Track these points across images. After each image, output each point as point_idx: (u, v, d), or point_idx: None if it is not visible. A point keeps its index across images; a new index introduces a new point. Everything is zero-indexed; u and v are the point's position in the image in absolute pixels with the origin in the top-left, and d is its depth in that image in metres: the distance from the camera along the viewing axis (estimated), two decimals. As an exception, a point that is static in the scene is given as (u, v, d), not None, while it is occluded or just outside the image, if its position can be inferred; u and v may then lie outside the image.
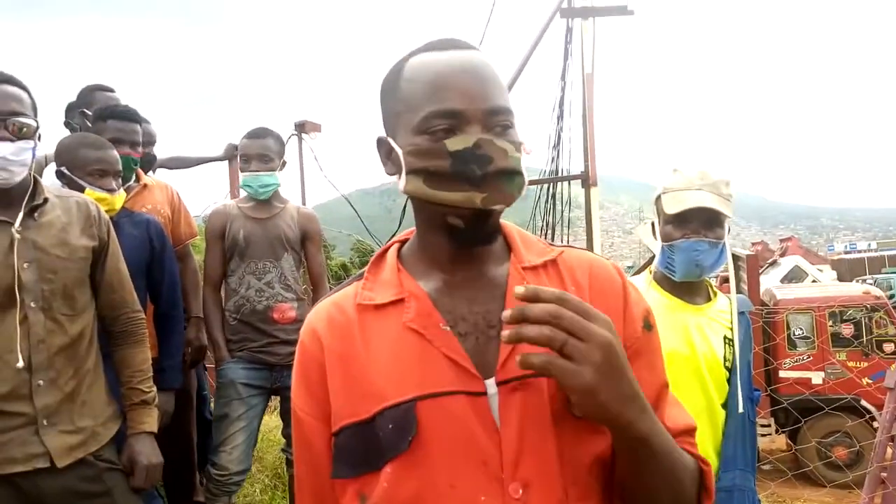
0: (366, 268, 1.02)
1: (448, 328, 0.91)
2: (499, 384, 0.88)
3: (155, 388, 2.06)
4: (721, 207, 1.74)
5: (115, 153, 2.41)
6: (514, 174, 0.90)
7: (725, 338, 1.80)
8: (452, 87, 0.90)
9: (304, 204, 7.53)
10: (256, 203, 2.97)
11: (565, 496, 0.86)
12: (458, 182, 0.88)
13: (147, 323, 2.18)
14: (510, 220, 1.05)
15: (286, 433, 3.10)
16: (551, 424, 0.87)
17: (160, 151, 4.15)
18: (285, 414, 3.00)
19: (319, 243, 3.23)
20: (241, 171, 2.94)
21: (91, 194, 2.20)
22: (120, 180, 2.42)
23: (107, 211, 2.10)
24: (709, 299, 1.86)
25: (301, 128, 6.59)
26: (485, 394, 0.87)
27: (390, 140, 0.96)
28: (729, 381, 1.77)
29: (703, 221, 1.75)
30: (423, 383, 0.87)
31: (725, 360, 1.78)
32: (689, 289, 1.84)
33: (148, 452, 1.94)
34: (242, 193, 3.11)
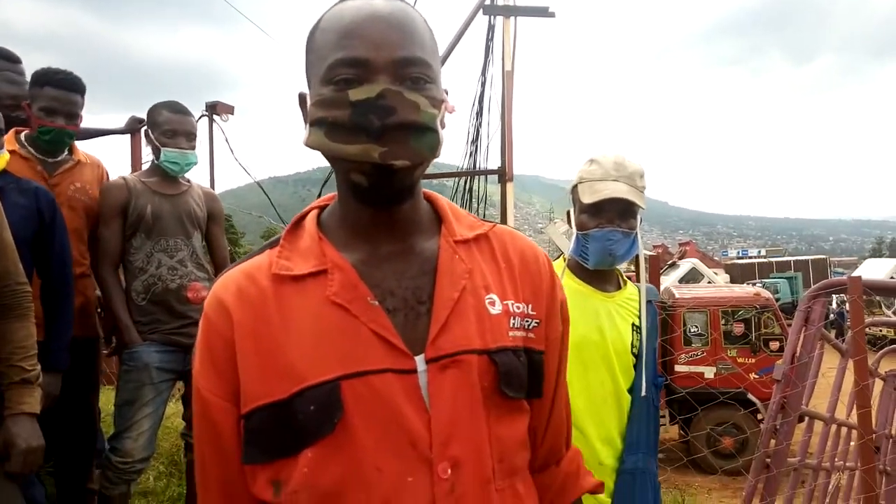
0: (280, 234, 0.94)
1: (376, 303, 0.85)
2: (428, 361, 0.83)
3: (39, 367, 1.90)
4: (635, 198, 1.78)
5: None
6: (424, 130, 0.83)
7: (633, 325, 1.84)
8: (360, 34, 0.83)
9: (212, 188, 7.26)
10: (162, 179, 2.80)
11: (492, 474, 0.85)
12: (357, 134, 0.81)
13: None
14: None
15: (188, 416, 2.95)
16: (481, 403, 0.85)
17: None
18: (190, 397, 2.86)
19: (223, 225, 3.10)
20: (165, 147, 2.74)
21: (-33, 154, 2.01)
22: (3, 139, 2.22)
23: (-11, 172, 1.91)
24: (619, 288, 1.91)
25: (213, 109, 6.33)
26: (414, 371, 0.83)
27: (307, 95, 0.90)
28: (635, 366, 1.82)
29: (618, 212, 1.79)
30: (348, 361, 0.81)
31: (633, 346, 1.82)
32: (600, 277, 1.87)
33: (27, 435, 1.78)
34: (145, 167, 2.94)
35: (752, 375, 9.02)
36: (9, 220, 1.91)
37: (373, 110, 0.80)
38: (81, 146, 2.93)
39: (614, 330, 1.80)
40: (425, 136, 0.83)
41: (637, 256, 1.86)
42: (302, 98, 0.91)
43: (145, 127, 2.82)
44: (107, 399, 3.34)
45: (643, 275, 1.94)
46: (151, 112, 2.82)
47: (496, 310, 0.89)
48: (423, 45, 0.86)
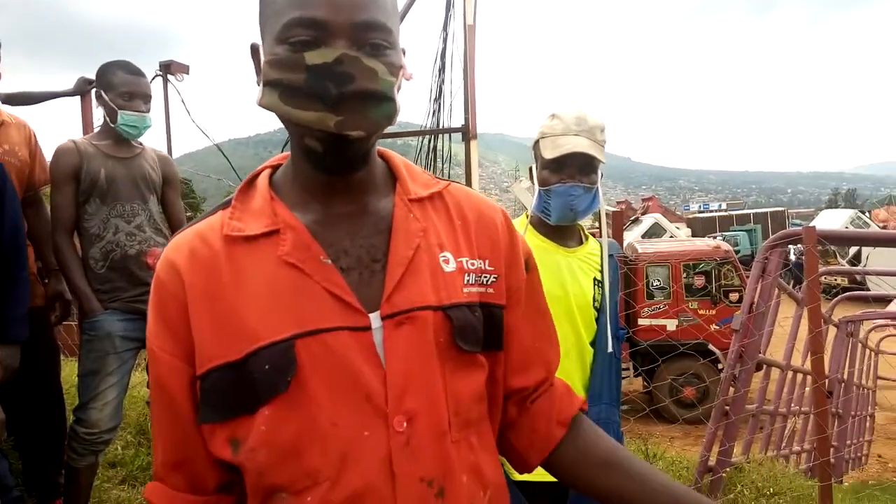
0: (232, 195, 0.92)
1: (329, 262, 0.85)
2: (384, 318, 0.84)
3: (-4, 340, 1.85)
4: (595, 153, 1.78)
5: None
6: (381, 99, 0.81)
7: (595, 279, 1.87)
8: None
9: (169, 152, 7.04)
10: (115, 142, 2.71)
11: (448, 427, 0.86)
12: (313, 100, 0.79)
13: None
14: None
15: None
16: (436, 356, 0.86)
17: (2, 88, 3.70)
18: None
19: (179, 189, 3.02)
20: (122, 109, 2.63)
21: None
22: None
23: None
24: (581, 243, 1.93)
25: (167, 68, 6.11)
26: (369, 328, 0.83)
27: (260, 47, 0.87)
28: (598, 320, 1.85)
29: (579, 167, 1.79)
30: (301, 320, 0.82)
31: (595, 300, 1.85)
32: (562, 232, 1.88)
33: None
34: (97, 130, 2.83)
35: (713, 326, 9.28)
36: (-45, 190, 1.83)
37: (330, 76, 0.78)
38: (24, 110, 2.82)
39: (576, 284, 1.82)
40: (382, 105, 0.82)
41: (599, 211, 1.88)
42: (254, 49, 0.88)
43: (96, 88, 2.70)
44: (70, 371, 3.28)
45: (605, 230, 1.96)
46: (105, 72, 2.70)
47: (450, 267, 0.90)
48: (384, 8, 0.83)
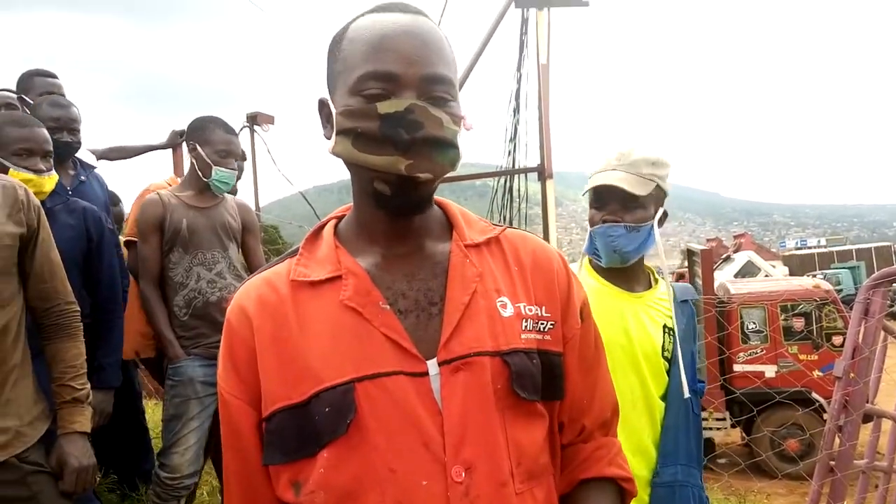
0: (300, 244, 0.98)
1: (387, 307, 0.88)
2: (441, 364, 0.85)
3: (88, 386, 1.94)
4: (633, 187, 1.66)
5: (44, 131, 2.26)
6: (447, 145, 0.87)
7: (665, 326, 1.72)
8: (391, 48, 0.86)
9: (257, 200, 7.35)
10: (197, 192, 2.84)
11: (510, 478, 0.85)
12: (385, 145, 0.85)
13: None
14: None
15: None
16: (494, 405, 0.86)
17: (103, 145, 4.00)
18: None
19: (259, 235, 3.15)
20: (217, 166, 2.77)
21: (16, 175, 2.06)
22: (51, 161, 2.28)
23: (35, 194, 1.95)
24: (649, 286, 1.79)
25: (253, 120, 6.44)
26: (426, 374, 0.85)
27: (329, 101, 0.93)
28: (669, 371, 1.71)
29: (620, 203, 1.68)
30: (361, 364, 0.85)
31: (664, 349, 1.70)
32: (625, 275, 1.75)
33: (79, 454, 1.82)
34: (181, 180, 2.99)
35: (815, 373, 8.66)
36: (58, 241, 1.95)
37: (401, 124, 0.84)
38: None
39: (642, 331, 1.69)
40: (448, 151, 0.87)
41: (687, 250, 1.77)
42: (322, 103, 0.94)
43: (191, 141, 2.84)
44: (153, 413, 3.41)
45: (666, 271, 1.81)
46: (203, 128, 2.84)
47: (508, 312, 0.91)
48: (448, 64, 0.90)
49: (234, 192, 3.11)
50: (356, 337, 0.86)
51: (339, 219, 1.00)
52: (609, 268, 1.75)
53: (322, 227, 1.00)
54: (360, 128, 0.86)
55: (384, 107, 0.84)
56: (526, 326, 0.91)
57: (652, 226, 1.71)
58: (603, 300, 1.66)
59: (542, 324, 0.93)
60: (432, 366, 0.85)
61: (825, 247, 37.17)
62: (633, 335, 1.68)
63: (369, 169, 0.87)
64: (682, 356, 1.70)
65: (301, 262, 0.94)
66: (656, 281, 1.82)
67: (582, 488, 0.98)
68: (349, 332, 0.86)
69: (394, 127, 0.84)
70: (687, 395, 1.68)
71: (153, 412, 3.96)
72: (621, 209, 1.69)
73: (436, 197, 0.99)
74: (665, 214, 1.75)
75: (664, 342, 1.71)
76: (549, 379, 0.92)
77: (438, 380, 0.85)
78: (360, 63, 0.87)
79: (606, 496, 0.98)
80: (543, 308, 0.94)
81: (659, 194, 1.72)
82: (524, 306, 0.93)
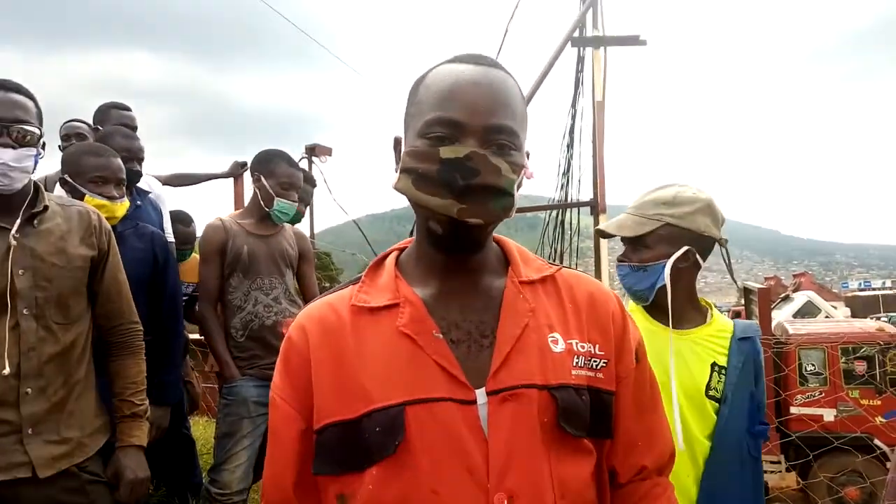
0: (363, 272, 1.03)
1: (440, 336, 0.91)
2: (489, 394, 0.88)
3: (147, 402, 2.03)
4: (628, 229, 1.73)
5: (118, 161, 2.41)
6: (501, 193, 0.90)
7: (714, 364, 1.69)
8: (458, 97, 0.91)
9: (312, 227, 7.56)
10: (257, 221, 2.96)
11: None
12: (442, 188, 0.89)
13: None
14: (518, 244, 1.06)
15: None
16: (540, 437, 0.87)
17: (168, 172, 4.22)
18: None
19: (313, 263, 3.26)
20: (280, 197, 2.89)
21: (91, 201, 2.20)
22: (123, 189, 2.42)
23: (108, 219, 2.08)
24: (702, 322, 1.76)
25: (312, 151, 6.66)
26: (474, 402, 0.87)
27: (402, 139, 0.98)
28: (717, 411, 1.67)
29: (628, 244, 1.77)
30: (412, 388, 0.88)
31: (711, 388, 1.67)
32: (666, 312, 1.70)
33: (134, 466, 1.90)
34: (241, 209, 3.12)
35: (878, 419, 8.26)
36: (126, 264, 2.06)
37: (459, 169, 0.88)
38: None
39: (684, 369, 1.66)
40: (502, 198, 0.90)
41: (746, 288, 1.77)
42: (396, 142, 1.00)
43: (256, 172, 2.97)
44: (204, 430, 3.48)
45: (712, 305, 1.81)
46: (268, 161, 2.97)
47: (559, 348, 0.93)
48: (513, 114, 0.93)
49: (300, 216, 3.22)
50: (409, 362, 0.90)
51: (402, 250, 1.06)
52: (652, 305, 1.76)
53: (385, 257, 1.05)
54: (422, 169, 0.90)
55: (445, 151, 0.89)
56: (577, 363, 0.93)
57: (664, 265, 1.68)
58: (646, 337, 1.65)
59: (594, 361, 0.95)
60: (481, 395, 0.88)
61: (890, 289, 35.60)
62: (672, 372, 1.65)
63: (426, 208, 0.91)
64: (733, 395, 1.66)
65: (363, 289, 0.99)
66: (713, 317, 1.78)
67: None
68: (403, 357, 0.91)
69: (451, 172, 0.88)
70: (737, 435, 1.64)
71: (205, 429, 4.06)
72: (630, 250, 1.76)
73: (495, 235, 1.03)
74: (690, 252, 1.70)
75: (711, 380, 1.67)
76: (598, 416, 0.93)
77: (486, 409, 0.88)
78: (430, 109, 0.92)
79: None
80: (597, 346, 0.96)
81: (673, 233, 1.69)
82: (576, 343, 0.95)
